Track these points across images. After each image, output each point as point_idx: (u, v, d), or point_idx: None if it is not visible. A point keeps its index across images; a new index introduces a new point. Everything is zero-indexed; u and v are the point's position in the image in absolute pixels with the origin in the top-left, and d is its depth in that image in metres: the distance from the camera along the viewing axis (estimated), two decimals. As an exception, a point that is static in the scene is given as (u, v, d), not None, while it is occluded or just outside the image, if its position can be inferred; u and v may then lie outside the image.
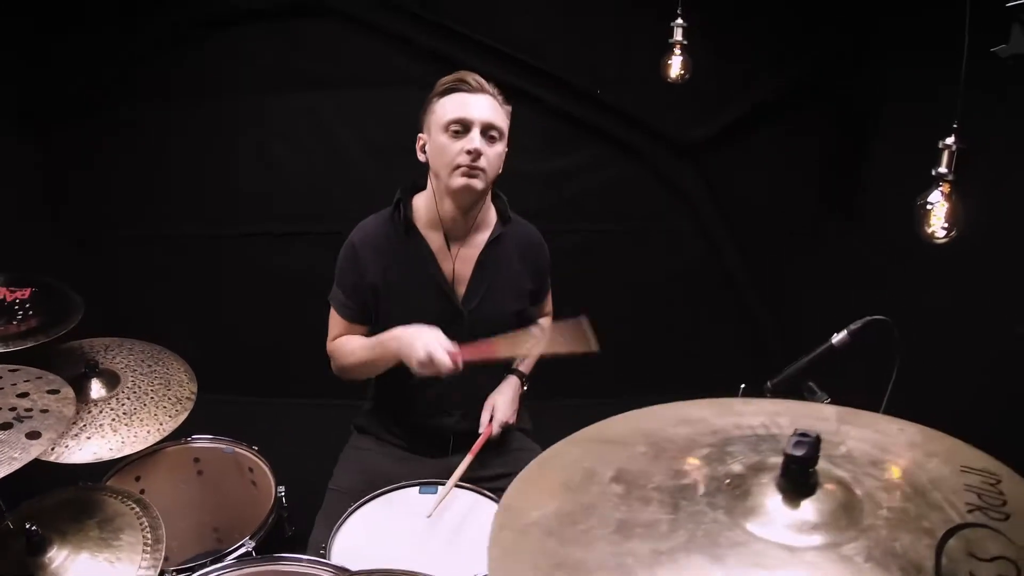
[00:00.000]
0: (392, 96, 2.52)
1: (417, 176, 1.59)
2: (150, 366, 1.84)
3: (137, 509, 1.30)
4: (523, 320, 1.68)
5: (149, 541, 1.21)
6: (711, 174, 2.61)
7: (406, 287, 1.57)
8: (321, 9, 2.43)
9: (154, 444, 1.62)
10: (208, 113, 2.53)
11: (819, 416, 0.80)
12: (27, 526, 1.13)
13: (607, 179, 2.59)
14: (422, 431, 1.68)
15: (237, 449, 1.75)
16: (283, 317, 2.66)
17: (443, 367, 1.39)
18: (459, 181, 1.46)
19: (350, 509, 1.47)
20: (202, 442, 1.79)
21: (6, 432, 1.14)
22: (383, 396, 1.73)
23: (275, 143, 2.58)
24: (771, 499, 0.60)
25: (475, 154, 1.43)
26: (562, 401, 2.10)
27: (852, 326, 1.08)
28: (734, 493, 0.61)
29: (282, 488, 1.61)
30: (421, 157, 1.54)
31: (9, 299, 1.79)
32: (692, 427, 0.76)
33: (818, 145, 2.53)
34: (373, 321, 1.60)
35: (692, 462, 0.68)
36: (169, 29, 2.43)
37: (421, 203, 1.58)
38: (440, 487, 1.51)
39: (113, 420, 1.64)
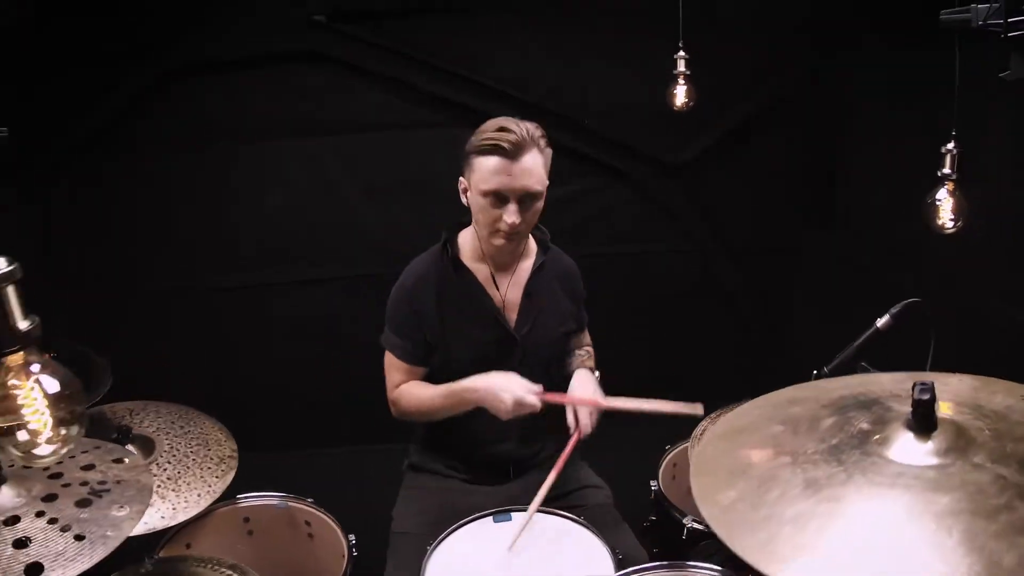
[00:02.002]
0: (389, 139, 2.73)
1: (460, 215, 1.73)
2: (182, 427, 1.86)
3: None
4: (569, 342, 1.84)
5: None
6: (698, 193, 2.90)
7: (461, 319, 1.69)
8: (315, 56, 2.60)
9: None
10: (203, 161, 2.65)
11: (894, 381, 1.01)
12: None
13: (605, 204, 2.84)
14: (481, 460, 1.78)
15: (291, 503, 1.81)
16: (300, 365, 2.75)
17: (534, 410, 1.54)
18: (498, 242, 1.61)
19: (430, 549, 1.51)
20: (251, 500, 1.80)
21: (88, 509, 1.13)
22: (437, 430, 1.81)
23: (274, 190, 2.71)
24: (905, 438, 0.80)
25: (515, 226, 1.56)
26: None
27: (893, 309, 1.31)
28: (876, 441, 0.80)
29: (352, 536, 1.66)
30: (464, 200, 1.67)
31: None
32: (803, 406, 0.95)
33: (795, 161, 2.87)
34: (430, 359, 1.71)
35: (826, 428, 0.87)
36: (162, 77, 2.54)
37: (467, 239, 1.73)
38: (516, 513, 1.59)
39: (159, 486, 1.68)
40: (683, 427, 1.79)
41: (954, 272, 2.09)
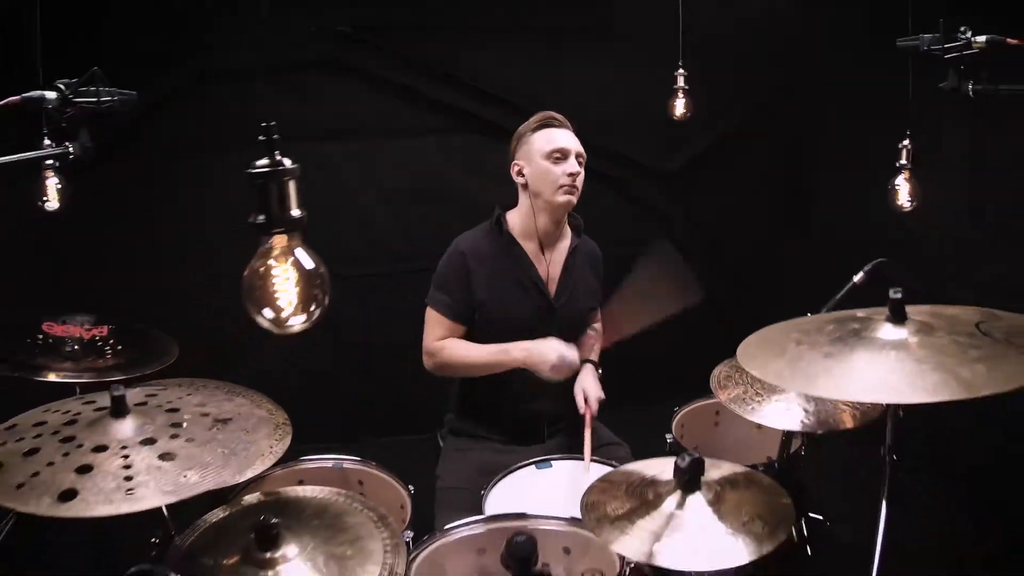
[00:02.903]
0: (403, 145, 3.03)
1: (505, 200, 2.06)
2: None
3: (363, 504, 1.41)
4: (591, 317, 2.15)
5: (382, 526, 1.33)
6: (686, 199, 3.31)
7: (508, 286, 1.98)
8: (338, 65, 2.90)
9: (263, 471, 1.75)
10: (223, 164, 2.88)
11: (874, 311, 1.35)
12: (264, 517, 1.22)
13: (605, 209, 3.19)
14: (516, 422, 2.03)
15: (345, 465, 1.91)
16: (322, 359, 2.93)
17: (575, 366, 1.83)
18: (563, 198, 1.93)
19: (484, 492, 1.71)
20: (307, 463, 1.90)
21: (218, 431, 1.26)
22: (474, 396, 2.07)
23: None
24: (886, 327, 1.17)
25: (575, 176, 1.93)
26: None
27: (866, 267, 1.68)
28: (867, 331, 1.16)
29: (411, 486, 1.81)
30: (519, 180, 2.00)
31: (87, 336, 1.97)
32: (803, 328, 1.30)
33: (775, 172, 3.31)
34: (472, 320, 1.97)
35: (830, 331, 1.22)
36: (186, 81, 2.77)
37: (515, 218, 2.04)
38: (556, 461, 1.82)
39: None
40: (691, 390, 2.11)
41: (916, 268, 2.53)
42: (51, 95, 1.25)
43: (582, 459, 1.87)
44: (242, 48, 2.76)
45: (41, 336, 1.94)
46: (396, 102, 3.00)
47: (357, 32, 2.89)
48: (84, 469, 1.14)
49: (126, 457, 1.18)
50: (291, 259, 0.89)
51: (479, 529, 1.51)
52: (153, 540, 1.57)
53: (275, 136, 0.87)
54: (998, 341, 1.07)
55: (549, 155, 1.94)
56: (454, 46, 3.00)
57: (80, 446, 1.20)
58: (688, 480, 1.15)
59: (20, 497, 1.10)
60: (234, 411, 1.39)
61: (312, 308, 0.91)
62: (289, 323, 0.90)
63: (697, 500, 1.16)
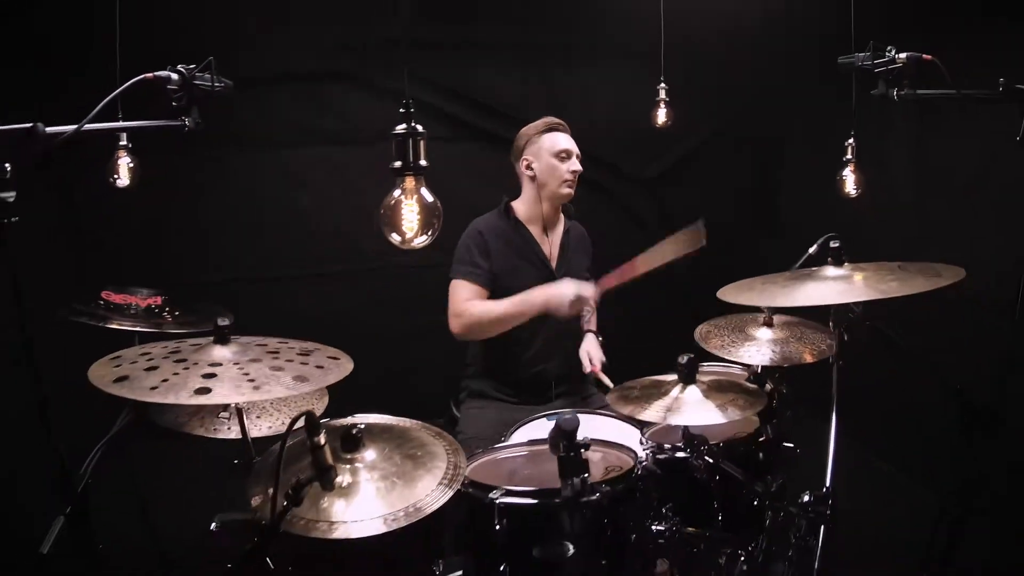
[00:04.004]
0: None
1: (495, 200, 2.44)
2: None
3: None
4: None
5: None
6: (662, 202, 3.78)
7: (519, 261, 2.37)
8: (348, 76, 3.26)
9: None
10: (236, 165, 3.18)
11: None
12: (351, 426, 1.48)
13: (586, 212, 3.62)
14: (528, 381, 2.38)
15: None
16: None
17: (593, 296, 2.16)
18: (566, 190, 2.37)
19: (504, 436, 2.00)
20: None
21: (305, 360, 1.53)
22: (490, 359, 2.42)
23: (299, 193, 3.28)
24: (830, 269, 1.65)
25: (576, 172, 2.37)
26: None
27: (819, 240, 2.15)
28: (815, 274, 1.64)
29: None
30: (527, 173, 2.39)
31: (143, 305, 2.22)
32: (768, 280, 1.75)
33: (743, 176, 3.79)
34: (492, 287, 2.31)
35: (788, 277, 1.67)
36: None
37: (520, 205, 2.44)
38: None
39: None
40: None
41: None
42: (175, 75, 1.51)
43: (587, 412, 2.17)
44: (256, 56, 3.05)
45: (103, 302, 2.22)
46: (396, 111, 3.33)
47: (367, 49, 3.23)
48: (208, 375, 1.43)
49: (241, 367, 1.47)
50: (416, 195, 1.26)
51: (523, 451, 1.86)
52: (235, 462, 1.86)
53: (412, 109, 1.24)
54: (912, 273, 1.53)
55: (557, 154, 2.36)
56: (453, 62, 3.37)
57: (196, 363, 1.49)
58: (687, 374, 1.58)
59: (159, 394, 1.35)
60: (305, 348, 1.68)
61: (430, 232, 1.28)
62: (414, 243, 1.27)
63: (693, 390, 1.59)
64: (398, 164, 1.26)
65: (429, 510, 1.38)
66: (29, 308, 1.24)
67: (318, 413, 1.97)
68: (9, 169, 1.13)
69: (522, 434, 2.03)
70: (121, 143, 2.18)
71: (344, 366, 1.60)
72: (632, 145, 3.58)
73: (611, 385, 2.26)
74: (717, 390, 1.67)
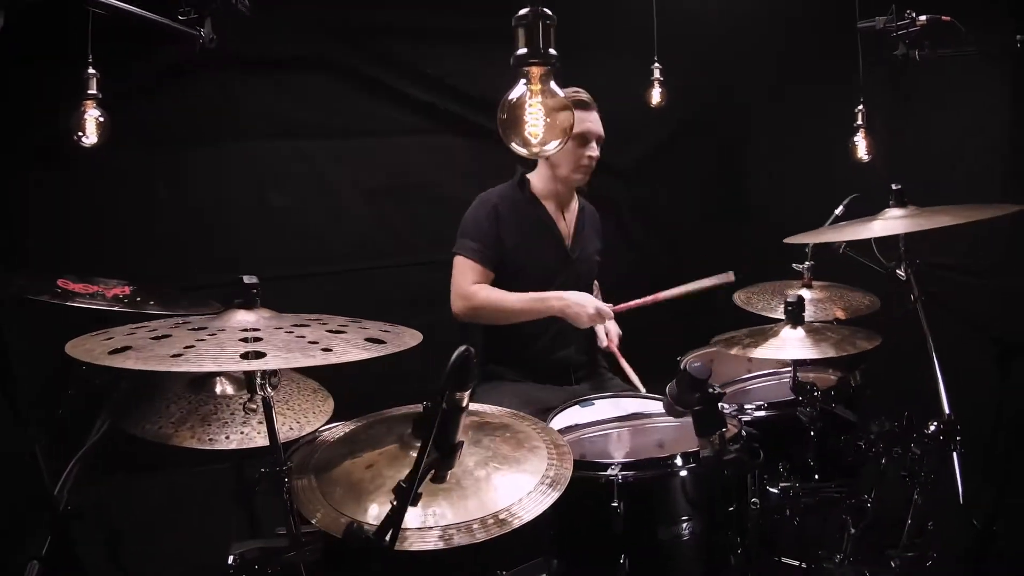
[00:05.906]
0: (383, 144, 3.14)
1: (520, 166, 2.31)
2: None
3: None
4: (597, 268, 2.45)
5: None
6: (636, 190, 3.76)
7: (532, 238, 2.24)
8: (320, 62, 3.01)
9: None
10: (202, 158, 2.87)
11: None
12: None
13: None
14: (547, 365, 2.25)
15: None
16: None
17: (609, 317, 2.10)
18: (579, 177, 2.23)
19: (548, 419, 1.81)
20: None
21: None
22: (503, 348, 2.27)
23: (270, 189, 3.00)
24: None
25: (593, 159, 2.21)
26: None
27: (844, 201, 2.19)
28: None
29: None
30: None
31: (108, 294, 1.92)
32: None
33: (712, 163, 3.86)
34: (499, 267, 2.17)
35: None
36: (167, 71, 2.75)
37: (535, 180, 2.30)
38: (597, 400, 1.97)
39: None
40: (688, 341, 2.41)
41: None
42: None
43: (613, 396, 2.05)
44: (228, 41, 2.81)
45: (59, 290, 1.86)
46: (379, 102, 3.14)
47: (346, 34, 3.03)
48: (250, 340, 1.22)
49: (288, 331, 1.26)
50: (543, 90, 1.10)
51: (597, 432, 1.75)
52: (262, 470, 1.58)
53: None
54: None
55: (574, 137, 2.18)
56: (440, 51, 3.20)
57: (222, 330, 1.27)
58: (795, 313, 1.52)
59: (185, 362, 1.13)
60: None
61: (562, 137, 1.11)
62: (545, 149, 1.10)
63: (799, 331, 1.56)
64: (523, 52, 1.10)
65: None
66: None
67: (325, 417, 1.83)
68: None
69: (560, 421, 1.87)
70: (89, 91, 1.87)
71: (404, 338, 1.41)
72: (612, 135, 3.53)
73: (628, 368, 2.19)
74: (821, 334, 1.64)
